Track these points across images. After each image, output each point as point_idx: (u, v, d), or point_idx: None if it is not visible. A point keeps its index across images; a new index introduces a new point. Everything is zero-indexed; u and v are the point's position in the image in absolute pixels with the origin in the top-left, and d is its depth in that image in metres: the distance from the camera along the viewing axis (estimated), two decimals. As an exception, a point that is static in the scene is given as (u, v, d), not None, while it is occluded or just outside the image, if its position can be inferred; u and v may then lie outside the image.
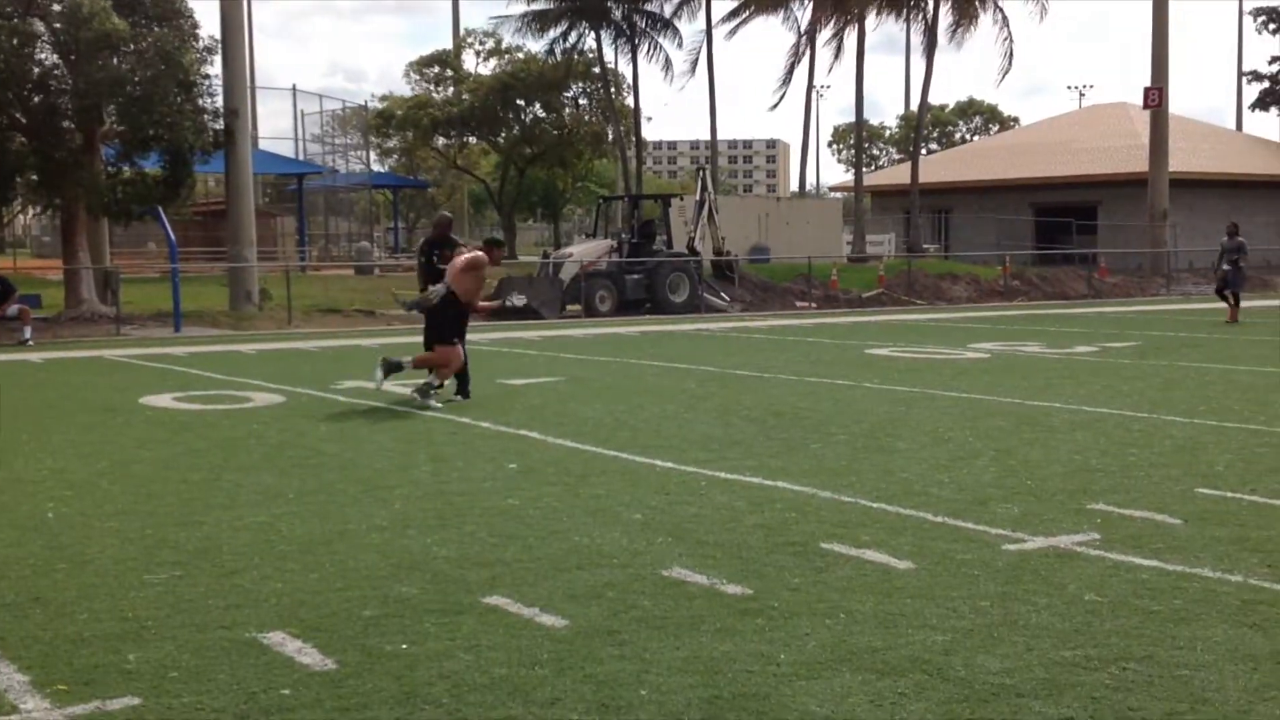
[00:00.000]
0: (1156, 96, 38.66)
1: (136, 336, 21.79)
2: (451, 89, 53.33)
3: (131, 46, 23.20)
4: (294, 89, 47.57)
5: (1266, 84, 57.70)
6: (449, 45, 55.71)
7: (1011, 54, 43.54)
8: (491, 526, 6.58)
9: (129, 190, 24.15)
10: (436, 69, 54.10)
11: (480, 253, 11.94)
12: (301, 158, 46.90)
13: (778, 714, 3.96)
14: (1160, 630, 4.71)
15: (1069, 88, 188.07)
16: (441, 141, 54.78)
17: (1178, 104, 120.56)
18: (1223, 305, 22.90)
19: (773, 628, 4.81)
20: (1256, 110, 59.03)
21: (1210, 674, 4.25)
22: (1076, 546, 6.01)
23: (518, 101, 50.94)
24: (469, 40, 54.75)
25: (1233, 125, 64.58)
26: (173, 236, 24.66)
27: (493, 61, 53.18)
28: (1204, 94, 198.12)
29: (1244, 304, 23.59)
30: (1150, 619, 4.85)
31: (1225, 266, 22.81)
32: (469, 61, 54.57)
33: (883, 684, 4.20)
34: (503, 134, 52.39)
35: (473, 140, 55.19)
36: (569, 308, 26.60)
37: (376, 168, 55.83)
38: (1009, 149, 51.90)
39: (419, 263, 12.52)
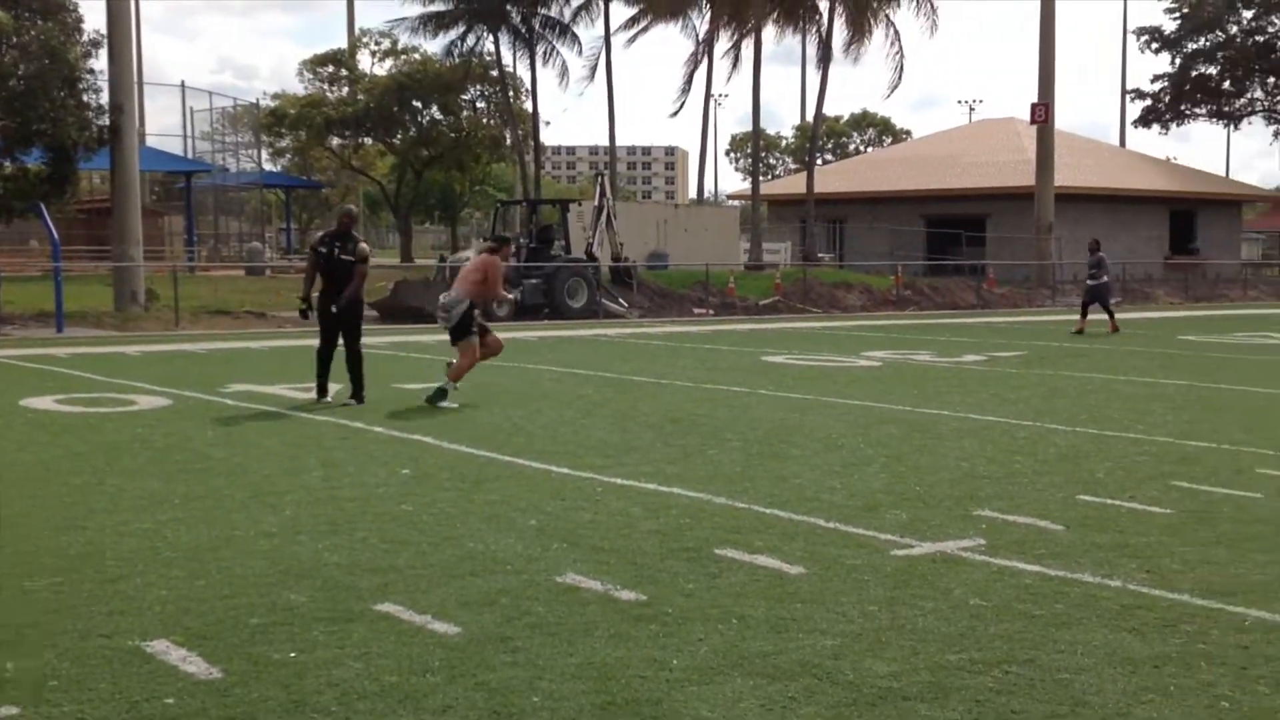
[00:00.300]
0: (1043, 112, 39.62)
1: (17, 337, 21.14)
2: (346, 89, 52.68)
3: (14, 40, 22.56)
4: (183, 85, 46.58)
5: (1149, 102, 59.45)
6: (343, 44, 55.04)
7: (902, 68, 44.32)
8: (384, 533, 6.51)
9: (10, 186, 23.49)
10: (331, 68, 53.37)
11: (487, 256, 12.58)
12: (190, 155, 45.92)
13: (669, 719, 3.98)
14: (1042, 634, 4.83)
15: (959, 102, 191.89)
16: (336, 141, 54.05)
17: (1064, 120, 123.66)
18: (1100, 318, 23.43)
19: (666, 633, 4.83)
20: (1139, 127, 60.80)
21: (1090, 677, 4.36)
22: (962, 552, 6.13)
23: (414, 103, 50.47)
24: (364, 40, 54.12)
25: (1116, 141, 66.49)
26: (55, 234, 23.98)
27: (389, 62, 52.64)
28: (1089, 111, 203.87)
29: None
30: (1033, 623, 4.97)
31: (1089, 282, 23.57)
32: (364, 61, 53.97)
33: (773, 688, 4.24)
34: (399, 135, 51.88)
35: (368, 141, 54.57)
36: (465, 312, 26.41)
37: (268, 167, 54.88)
38: (901, 161, 52.78)
39: (316, 255, 12.07)
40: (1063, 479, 8.11)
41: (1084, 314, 23.68)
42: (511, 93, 49.70)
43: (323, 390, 11.97)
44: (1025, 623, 4.98)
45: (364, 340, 12.29)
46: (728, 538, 6.40)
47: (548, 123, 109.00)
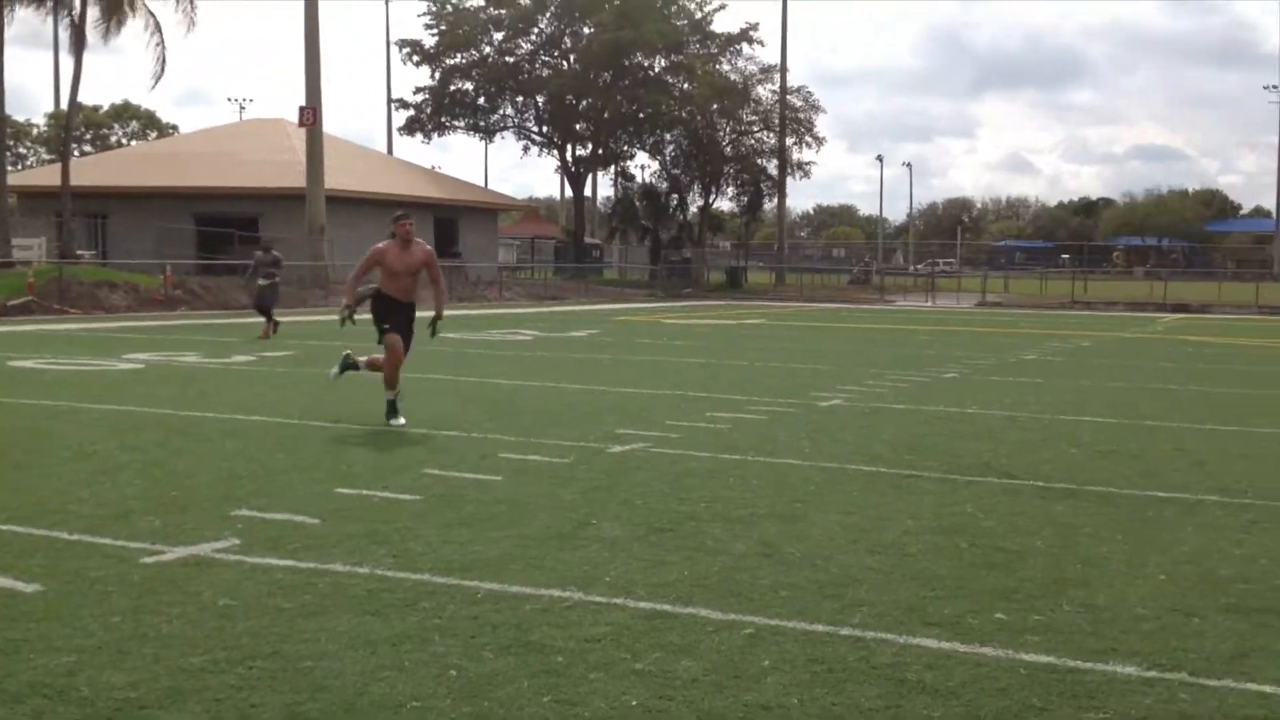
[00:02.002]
0: (311, 116, 40.17)
1: None
2: None
3: None
4: None
5: (412, 112, 62.39)
6: None
7: (165, 60, 42.67)
8: None
9: None
10: None
11: (377, 246, 11.11)
12: None
13: None
14: (289, 626, 4.90)
15: (230, 99, 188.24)
16: None
17: (334, 125, 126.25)
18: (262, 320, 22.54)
19: None
20: (404, 135, 63.66)
21: (332, 662, 4.50)
22: (216, 553, 6.05)
23: None
24: None
25: (384, 148, 69.14)
26: None
27: None
28: (359, 117, 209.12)
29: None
30: (280, 616, 5.03)
31: (262, 281, 22.51)
32: None
33: (-4, 717, 3.91)
34: None
35: None
36: None
37: None
38: (170, 156, 50.89)
39: None
40: (322, 474, 8.29)
41: (266, 314, 22.44)
42: None
43: None
44: (273, 617, 5.02)
45: None
46: (-48, 561, 5.79)
47: None
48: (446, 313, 11.43)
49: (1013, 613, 5.30)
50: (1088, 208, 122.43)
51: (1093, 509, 7.59)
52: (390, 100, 66.64)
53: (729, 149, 62.83)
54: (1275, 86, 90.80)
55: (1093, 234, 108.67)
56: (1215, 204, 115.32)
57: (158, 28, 41.69)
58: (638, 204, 65.31)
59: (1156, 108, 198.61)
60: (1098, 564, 6.20)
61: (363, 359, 11.50)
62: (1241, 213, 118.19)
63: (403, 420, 10.62)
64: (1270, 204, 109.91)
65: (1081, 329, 30.94)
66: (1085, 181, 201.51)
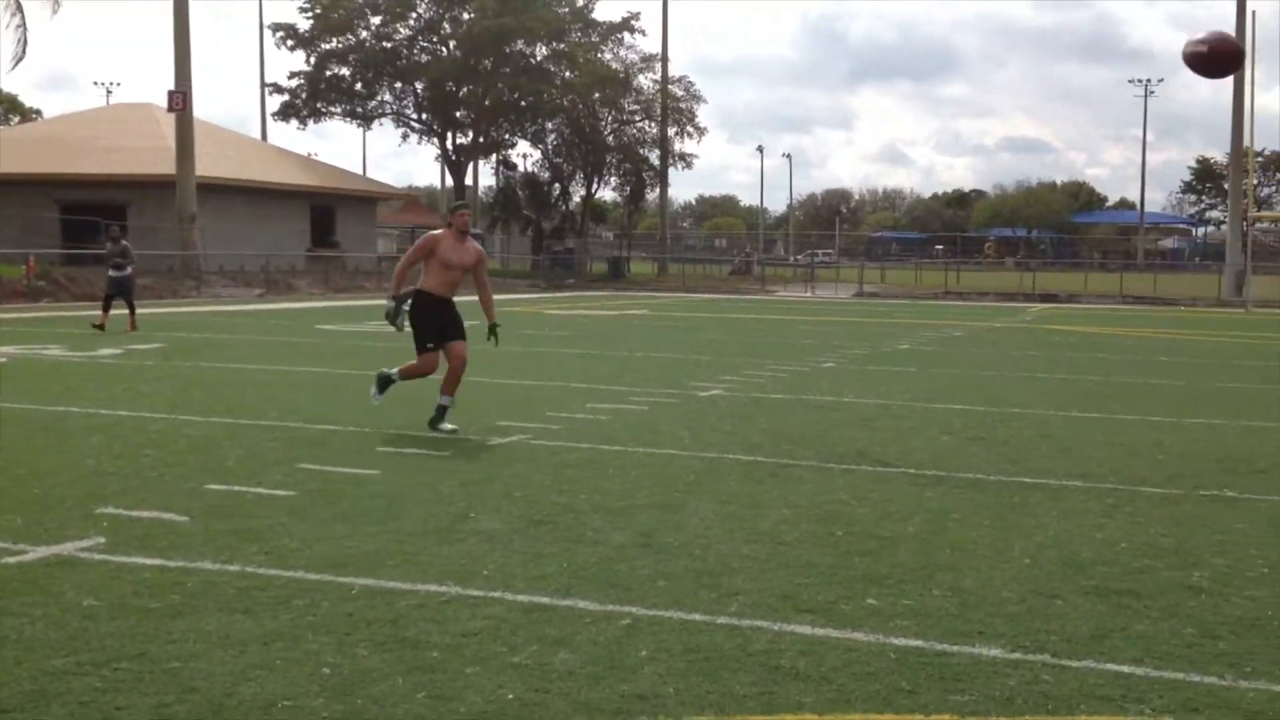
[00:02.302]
0: (180, 100, 39.19)
1: None
2: None
3: None
4: None
5: (287, 97, 61.13)
6: None
7: (26, 41, 41.21)
8: None
9: None
10: None
11: (432, 233, 10.33)
12: None
13: None
14: (156, 627, 4.79)
15: (96, 83, 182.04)
16: None
17: (205, 110, 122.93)
18: (122, 312, 21.45)
19: None
20: (279, 121, 62.28)
21: (200, 663, 4.41)
22: (80, 553, 5.88)
23: None
24: None
25: (258, 134, 67.67)
26: None
27: None
28: (232, 102, 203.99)
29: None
30: (147, 617, 4.91)
31: (112, 273, 21.47)
32: None
33: None
34: None
35: None
36: None
37: None
38: (33, 142, 49.16)
39: None
40: (193, 470, 8.11)
41: (106, 309, 21.33)
42: None
43: None
44: (140, 617, 4.90)
45: None
46: None
47: None
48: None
49: (884, 598, 5.42)
50: (960, 199, 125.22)
51: (962, 495, 7.78)
52: (264, 85, 65.29)
53: (611, 138, 62.83)
54: (1140, 80, 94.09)
55: (965, 225, 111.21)
56: (1082, 196, 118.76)
57: (19, 8, 40.24)
58: (520, 193, 64.99)
59: (1026, 101, 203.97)
60: (966, 549, 6.37)
61: (394, 370, 10.46)
62: (1107, 204, 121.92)
63: (452, 427, 9.95)
64: (1134, 196, 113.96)
65: (954, 319, 31.66)
66: (958, 173, 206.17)
